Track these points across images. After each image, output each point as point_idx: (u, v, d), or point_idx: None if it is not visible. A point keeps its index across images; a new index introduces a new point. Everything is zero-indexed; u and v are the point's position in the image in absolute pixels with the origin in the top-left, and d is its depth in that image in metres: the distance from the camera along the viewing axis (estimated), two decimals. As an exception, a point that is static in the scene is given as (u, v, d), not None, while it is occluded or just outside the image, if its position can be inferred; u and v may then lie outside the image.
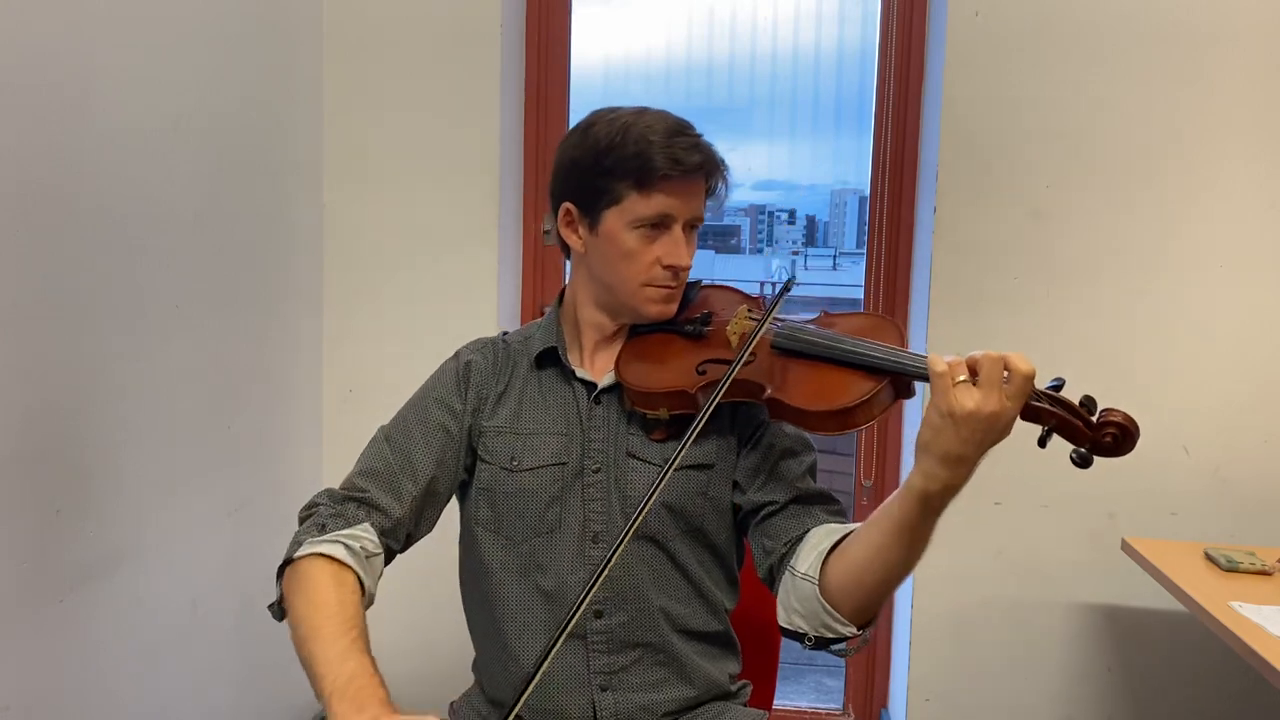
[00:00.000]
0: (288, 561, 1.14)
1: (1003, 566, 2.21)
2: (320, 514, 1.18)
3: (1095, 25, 2.09)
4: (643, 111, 1.21)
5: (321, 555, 1.12)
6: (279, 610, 1.14)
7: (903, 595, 2.31)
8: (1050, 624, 2.21)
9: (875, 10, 2.35)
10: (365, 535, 1.16)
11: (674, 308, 1.25)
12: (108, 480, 1.59)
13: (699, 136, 1.21)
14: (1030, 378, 0.96)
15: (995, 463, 2.09)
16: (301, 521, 1.19)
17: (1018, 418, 0.98)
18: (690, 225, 1.22)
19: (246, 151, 1.99)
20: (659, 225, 1.20)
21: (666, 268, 1.20)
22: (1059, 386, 1.02)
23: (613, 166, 1.18)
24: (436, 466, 1.23)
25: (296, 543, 1.15)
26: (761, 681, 1.45)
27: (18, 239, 1.37)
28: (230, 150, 1.93)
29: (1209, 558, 1.75)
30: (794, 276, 1.21)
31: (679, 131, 1.19)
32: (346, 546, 1.13)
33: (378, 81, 2.30)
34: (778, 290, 1.20)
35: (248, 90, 1.99)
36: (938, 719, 2.27)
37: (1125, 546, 1.87)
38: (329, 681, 0.97)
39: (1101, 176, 2.12)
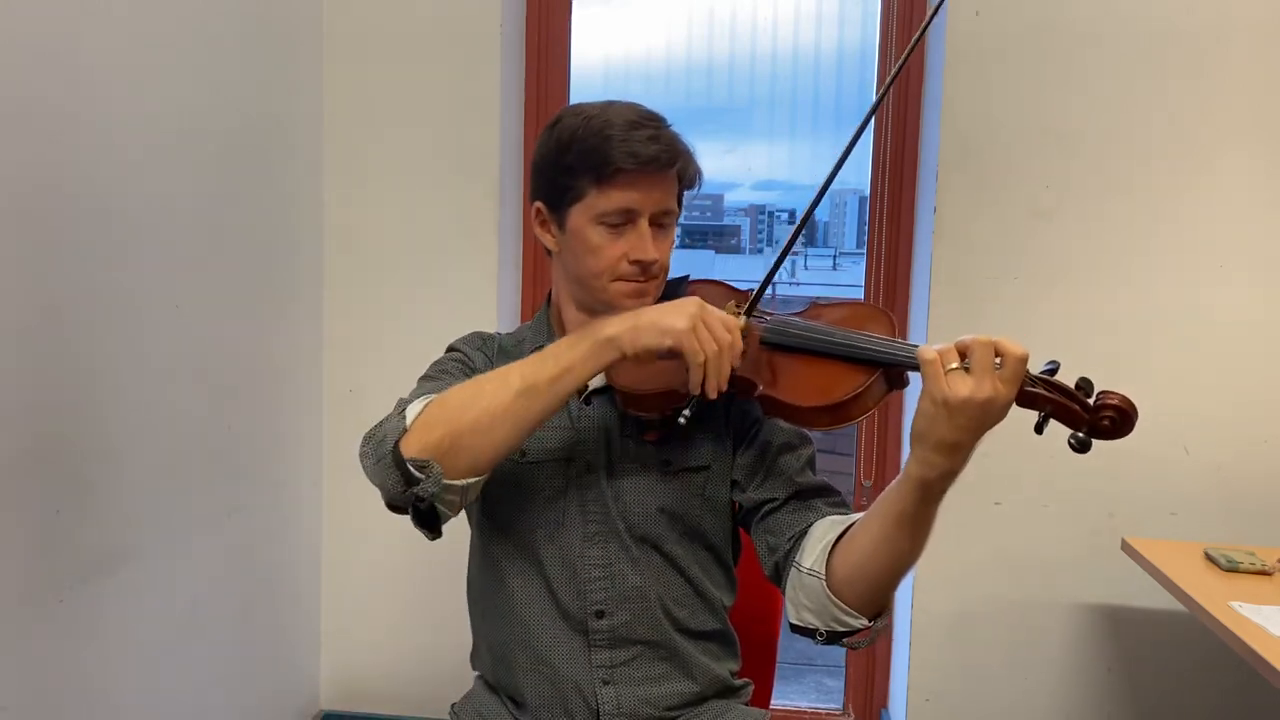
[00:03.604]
0: (400, 436, 1.04)
1: (1003, 566, 2.21)
2: (390, 416, 1.10)
3: (1095, 25, 2.09)
4: (609, 105, 1.19)
5: (432, 400, 1.07)
6: (436, 478, 1.03)
7: (903, 595, 2.31)
8: (1050, 624, 2.21)
9: (875, 10, 2.35)
10: None
11: (649, 303, 1.22)
12: (108, 480, 1.59)
13: (661, 128, 1.17)
14: (1023, 360, 0.94)
15: (995, 463, 2.11)
16: (370, 441, 1.09)
17: (1013, 403, 0.96)
18: (659, 220, 1.19)
19: (246, 152, 1.99)
20: (623, 221, 1.17)
21: (634, 263, 1.18)
22: (1054, 370, 1.00)
23: (574, 163, 1.16)
24: None
25: (398, 418, 1.06)
26: (760, 681, 1.45)
27: (18, 239, 1.37)
28: (230, 151, 1.92)
29: (1209, 558, 1.75)
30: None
31: (639, 124, 1.15)
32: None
33: (378, 82, 2.30)
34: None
35: (248, 91, 1.99)
36: (938, 719, 2.27)
37: (1125, 546, 1.87)
38: (569, 339, 1.09)
39: (1101, 176, 2.12)
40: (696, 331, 1.04)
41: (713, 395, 1.06)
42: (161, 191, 1.70)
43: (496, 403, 1.04)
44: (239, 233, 1.97)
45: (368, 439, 1.10)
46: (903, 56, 1.18)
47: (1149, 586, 1.79)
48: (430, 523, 1.10)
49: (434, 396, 1.08)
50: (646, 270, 1.19)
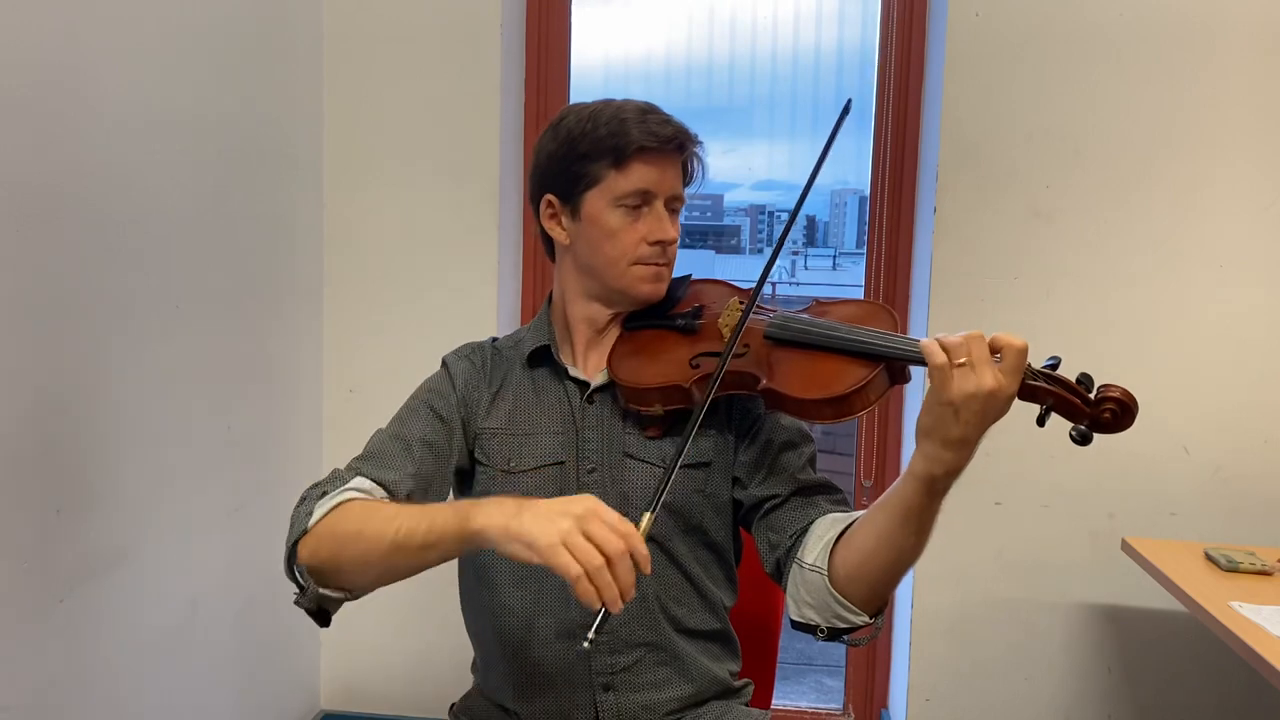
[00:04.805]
0: (301, 535, 1.07)
1: (1003, 566, 2.21)
2: (317, 490, 1.13)
3: (1095, 26, 2.09)
4: (610, 100, 1.23)
5: (340, 505, 1.08)
6: (313, 594, 1.05)
7: (903, 595, 2.31)
8: (1050, 624, 2.21)
9: (875, 11, 2.35)
10: (370, 485, 1.13)
11: (664, 287, 1.25)
12: (108, 480, 1.59)
13: (670, 115, 1.22)
14: (1023, 352, 0.96)
15: (995, 463, 2.11)
16: (299, 505, 1.13)
17: (1016, 396, 0.98)
18: (671, 206, 1.23)
19: (246, 152, 1.99)
20: (640, 203, 1.20)
21: (653, 244, 1.21)
22: (1055, 365, 1.02)
23: (588, 150, 1.19)
24: (432, 449, 1.21)
25: (306, 513, 1.08)
26: (760, 681, 1.45)
27: (18, 239, 1.37)
28: (230, 150, 1.93)
29: (1209, 558, 1.75)
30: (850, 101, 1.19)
31: (650, 110, 1.21)
32: (359, 490, 1.11)
33: (378, 81, 2.30)
34: (838, 114, 1.18)
35: (248, 91, 1.99)
36: (938, 719, 2.27)
37: (1125, 546, 1.87)
38: (451, 510, 0.98)
39: (1101, 176, 2.12)
40: (569, 546, 0.89)
41: (614, 610, 0.89)
42: (162, 191, 1.70)
43: (374, 548, 1.02)
44: (239, 232, 1.97)
45: (300, 501, 1.12)
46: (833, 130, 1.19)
47: (1149, 586, 1.79)
48: (316, 614, 1.10)
49: (344, 498, 1.08)
50: (665, 251, 1.22)
